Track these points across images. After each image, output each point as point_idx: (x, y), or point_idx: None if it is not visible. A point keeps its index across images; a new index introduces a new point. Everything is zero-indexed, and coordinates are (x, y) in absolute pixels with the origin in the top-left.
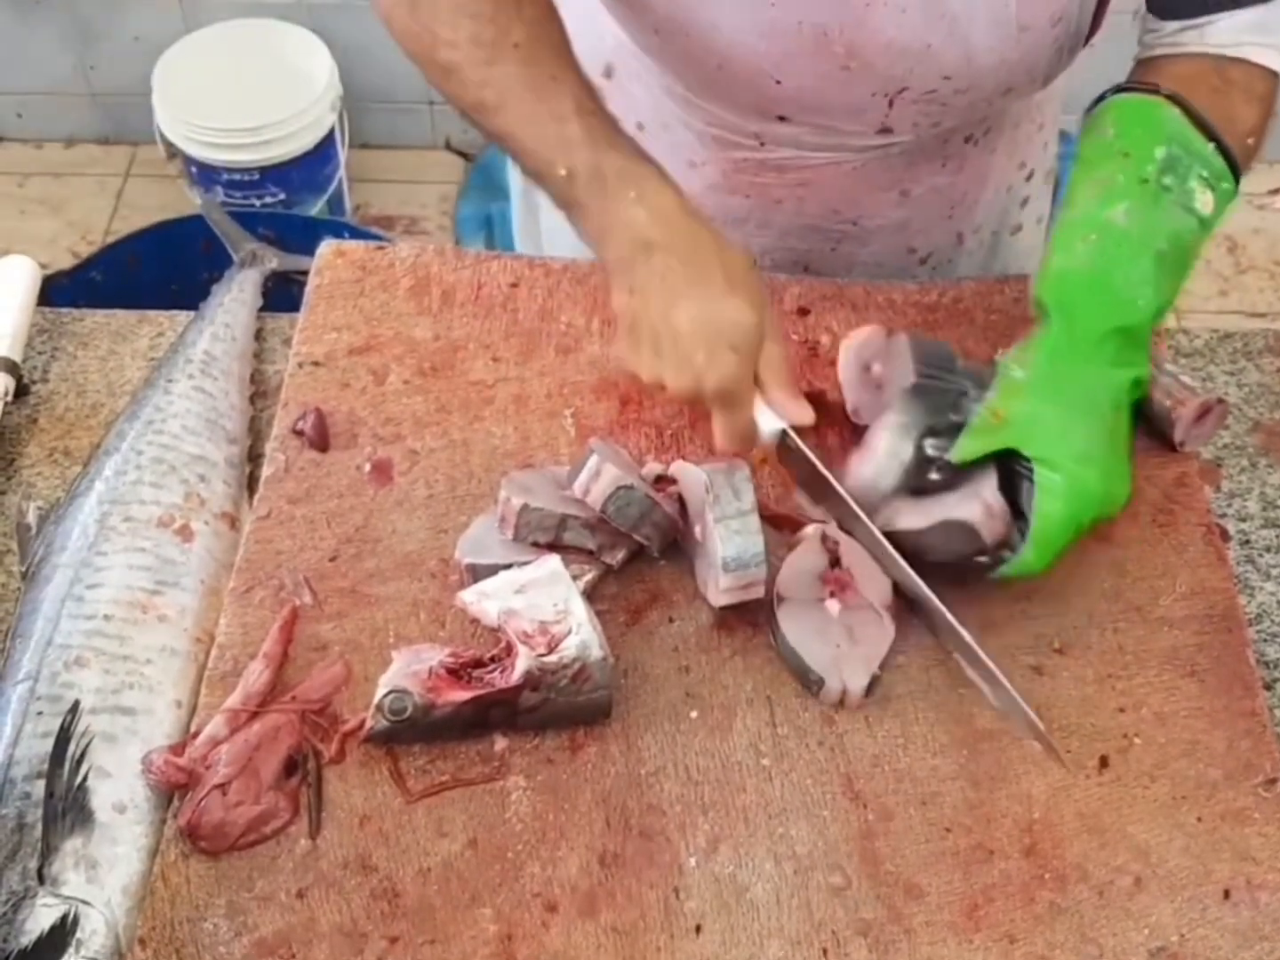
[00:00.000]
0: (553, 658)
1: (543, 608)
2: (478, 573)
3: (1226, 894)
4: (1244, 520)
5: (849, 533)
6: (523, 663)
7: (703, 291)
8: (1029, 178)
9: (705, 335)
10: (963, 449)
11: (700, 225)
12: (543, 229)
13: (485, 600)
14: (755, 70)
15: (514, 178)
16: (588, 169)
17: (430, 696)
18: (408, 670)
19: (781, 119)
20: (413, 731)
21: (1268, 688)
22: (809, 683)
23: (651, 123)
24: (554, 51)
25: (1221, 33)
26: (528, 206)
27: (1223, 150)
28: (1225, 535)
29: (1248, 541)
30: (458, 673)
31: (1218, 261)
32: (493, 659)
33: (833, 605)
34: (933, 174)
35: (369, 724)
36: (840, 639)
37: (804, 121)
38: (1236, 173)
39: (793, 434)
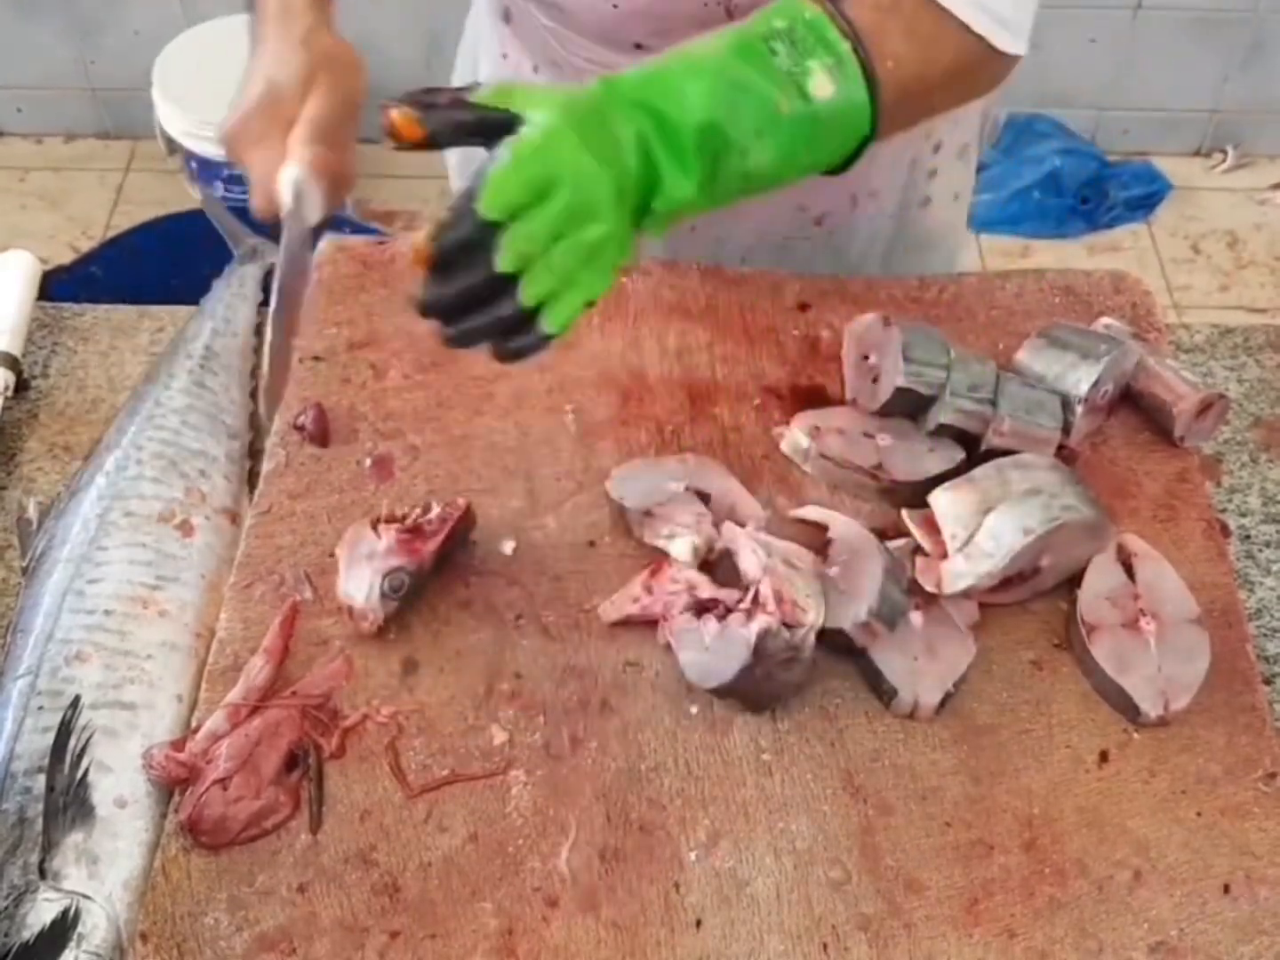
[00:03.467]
0: (784, 636)
1: (799, 587)
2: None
3: (1226, 889)
4: (1244, 515)
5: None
6: (759, 624)
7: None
8: (936, 149)
9: (256, 84)
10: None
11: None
12: None
13: (754, 546)
14: None
15: None
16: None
17: (413, 560)
18: (364, 558)
19: (638, 46)
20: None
21: (1267, 683)
22: (880, 692)
23: (543, 63)
24: None
25: None
26: None
27: (859, 55)
28: (1226, 530)
29: (1248, 537)
30: (414, 532)
31: (1218, 257)
32: (411, 520)
33: (916, 618)
34: None
35: (371, 618)
36: (919, 652)
37: (659, 48)
38: (873, 85)
39: (304, 179)
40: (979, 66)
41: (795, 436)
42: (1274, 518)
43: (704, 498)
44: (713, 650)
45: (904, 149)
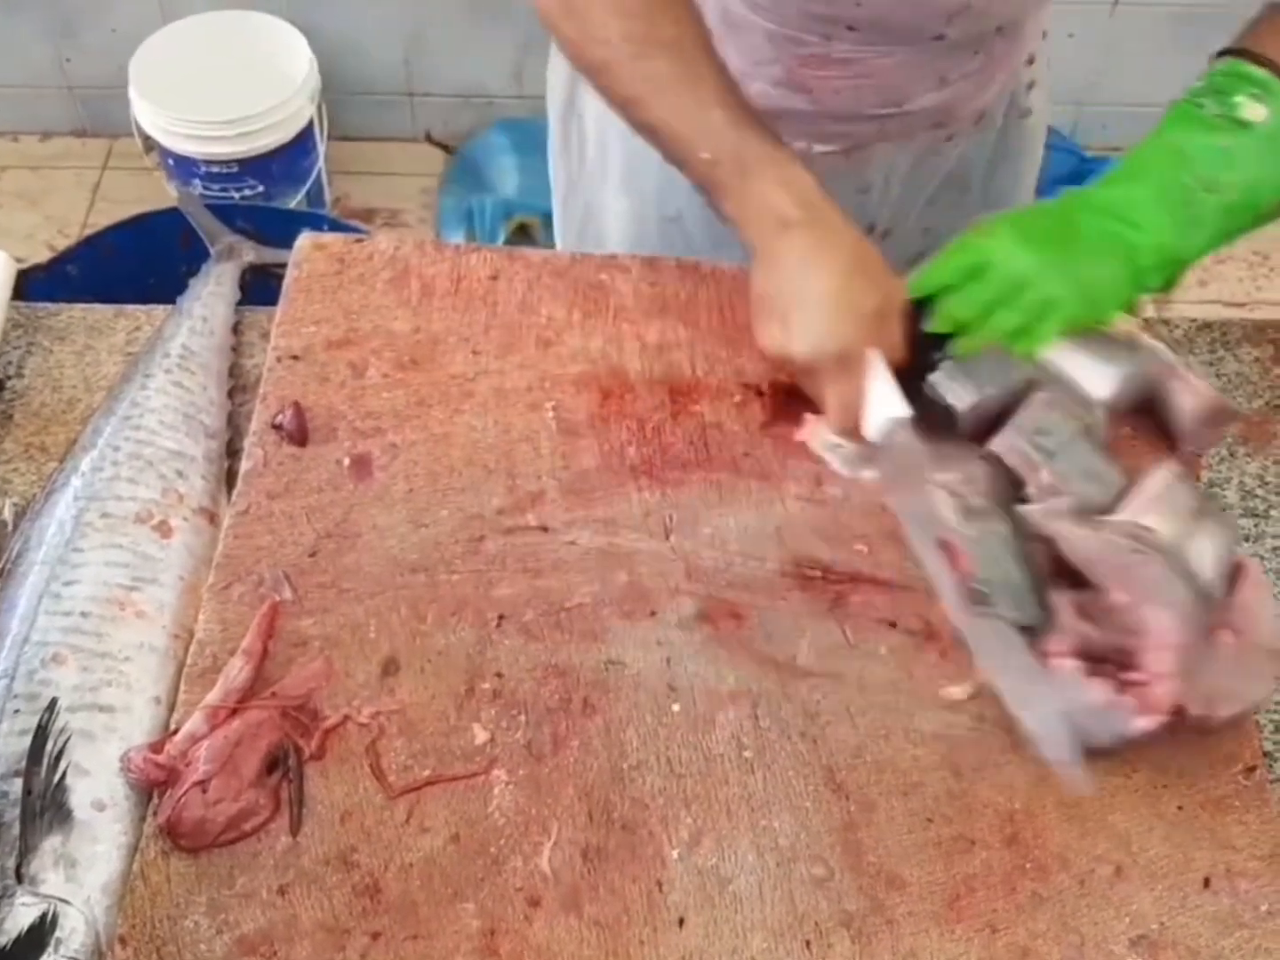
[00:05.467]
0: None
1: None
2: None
3: (1207, 882)
4: (1222, 510)
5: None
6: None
7: (832, 265)
8: (1030, 61)
9: (830, 303)
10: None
11: (833, 207)
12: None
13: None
14: None
15: (556, 177)
16: (731, 153)
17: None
18: None
19: (850, 29)
20: None
21: None
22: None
23: (719, 24)
24: (700, 46)
25: None
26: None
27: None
28: None
29: None
30: None
31: None
32: None
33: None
34: (967, 61)
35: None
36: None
37: (869, 31)
38: None
39: (908, 425)
40: None
41: (822, 434)
42: (1252, 511)
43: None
44: (1086, 713)
45: (1015, 63)
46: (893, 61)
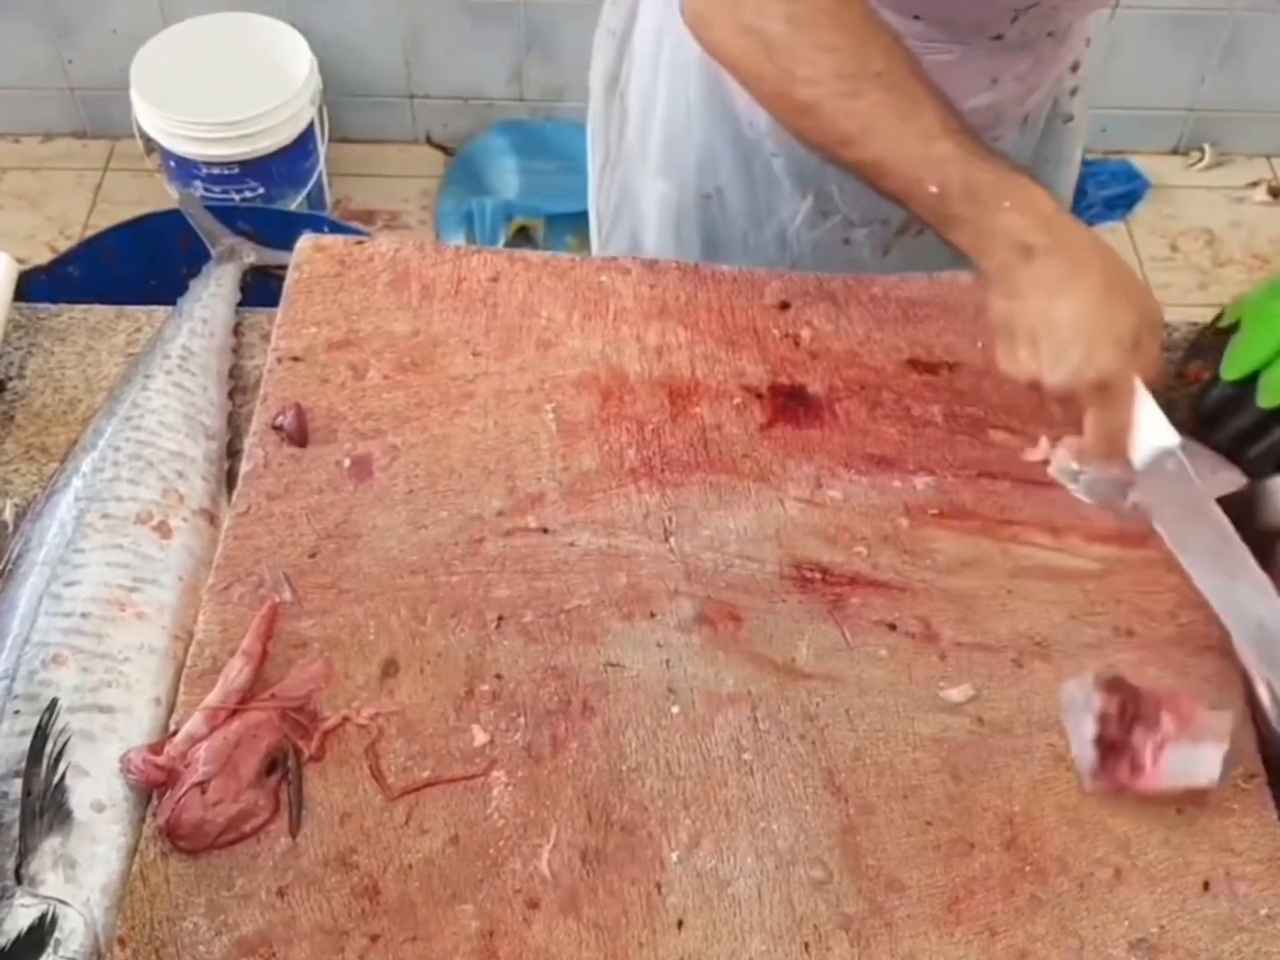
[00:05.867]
0: None
1: None
2: None
3: (1206, 885)
4: None
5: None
6: None
7: (1084, 289)
8: (1074, 68)
9: (1085, 329)
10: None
11: (1078, 227)
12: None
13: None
14: None
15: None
16: (961, 183)
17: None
18: None
19: (915, 18)
20: None
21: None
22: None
23: None
24: (912, 75)
25: None
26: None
27: None
28: None
29: None
30: None
31: (1196, 255)
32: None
33: None
34: (1018, 64)
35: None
36: None
37: (934, 23)
38: None
39: (1181, 454)
40: None
41: (1062, 460)
42: None
43: None
44: None
45: (1060, 69)
46: (950, 60)
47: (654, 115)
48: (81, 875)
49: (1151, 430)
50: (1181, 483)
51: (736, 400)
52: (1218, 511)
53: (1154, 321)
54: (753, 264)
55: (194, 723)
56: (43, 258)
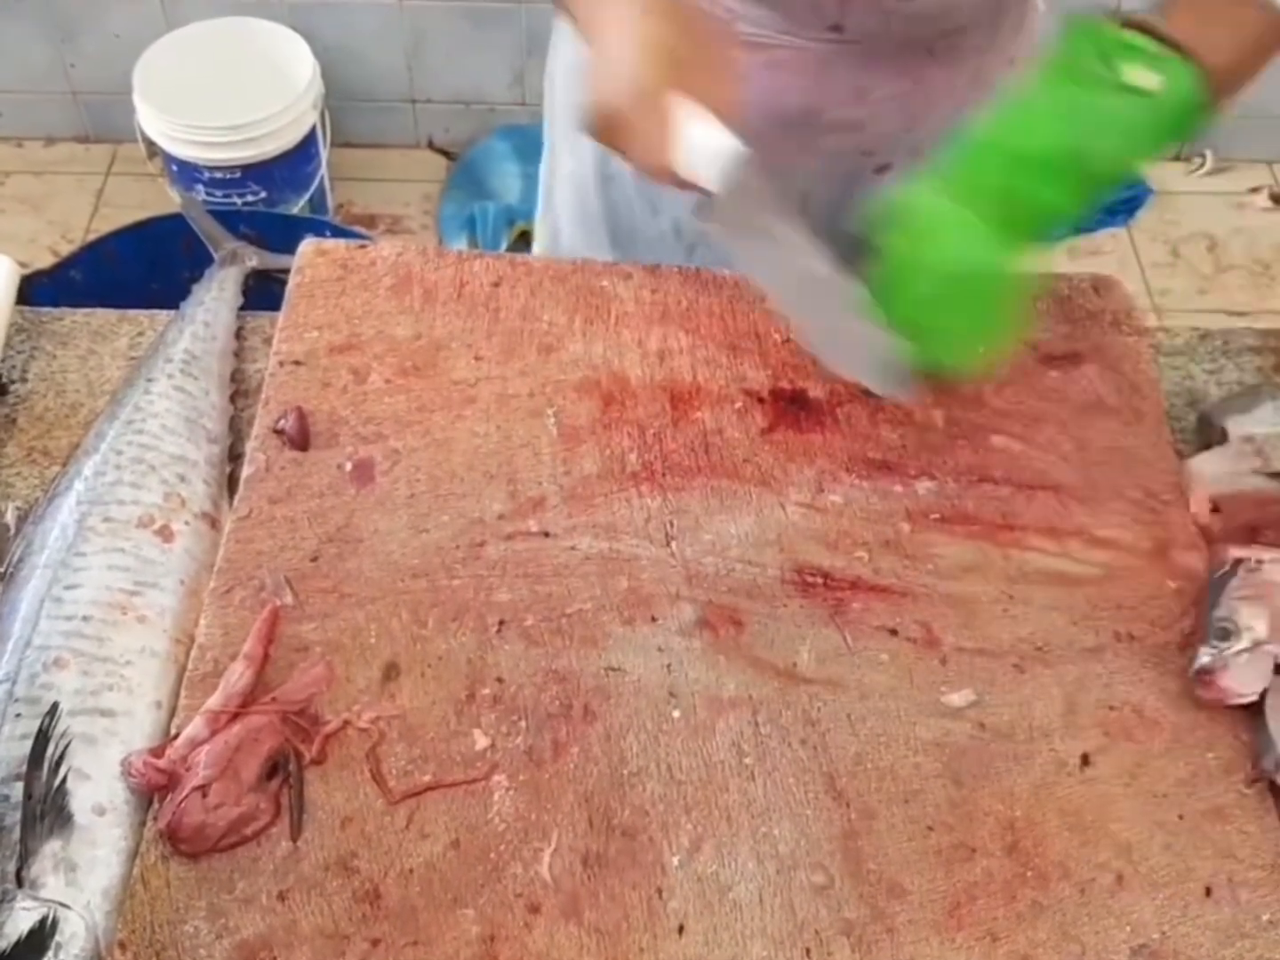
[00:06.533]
0: None
1: None
2: None
3: (1208, 891)
4: None
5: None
6: None
7: (633, 11)
8: (1011, 62)
9: (619, 48)
10: None
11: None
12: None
13: None
14: None
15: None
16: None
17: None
18: None
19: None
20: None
21: None
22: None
23: None
24: None
25: None
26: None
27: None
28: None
29: None
30: None
31: (1198, 260)
32: None
33: None
34: (890, 79)
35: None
36: None
37: (771, 4)
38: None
39: (748, 161)
40: None
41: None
42: None
43: None
44: None
45: (951, 104)
46: (797, 55)
47: (564, 98)
48: (82, 879)
49: (709, 142)
50: (758, 194)
51: (738, 405)
52: (784, 227)
53: (718, 57)
54: (655, 257)
55: (195, 726)
56: (45, 261)
